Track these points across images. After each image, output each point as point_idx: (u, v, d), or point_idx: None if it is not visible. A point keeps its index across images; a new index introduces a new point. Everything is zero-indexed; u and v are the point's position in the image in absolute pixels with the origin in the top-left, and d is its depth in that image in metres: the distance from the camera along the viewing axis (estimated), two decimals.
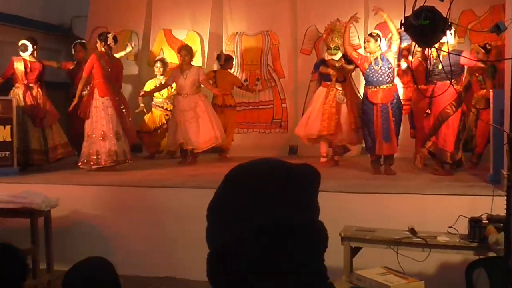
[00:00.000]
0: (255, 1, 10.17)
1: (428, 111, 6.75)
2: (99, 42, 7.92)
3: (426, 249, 4.42)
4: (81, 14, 10.89)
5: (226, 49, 10.08)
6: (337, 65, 7.75)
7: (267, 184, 1.19)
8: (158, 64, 9.56)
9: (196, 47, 9.95)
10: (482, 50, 7.47)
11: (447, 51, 5.66)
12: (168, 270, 6.17)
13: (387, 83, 7.07)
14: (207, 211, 1.25)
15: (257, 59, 9.99)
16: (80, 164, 7.77)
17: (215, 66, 9.55)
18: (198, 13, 10.36)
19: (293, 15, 10.04)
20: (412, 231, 4.52)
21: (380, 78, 7.03)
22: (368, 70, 7.07)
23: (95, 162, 7.67)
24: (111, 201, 6.48)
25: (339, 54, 7.90)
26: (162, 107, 9.45)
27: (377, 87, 7.03)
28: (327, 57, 8.03)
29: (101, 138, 7.66)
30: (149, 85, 9.50)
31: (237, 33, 10.18)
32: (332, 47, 7.91)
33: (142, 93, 9.33)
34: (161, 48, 10.36)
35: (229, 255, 1.16)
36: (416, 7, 3.90)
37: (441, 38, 4.18)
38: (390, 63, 7.14)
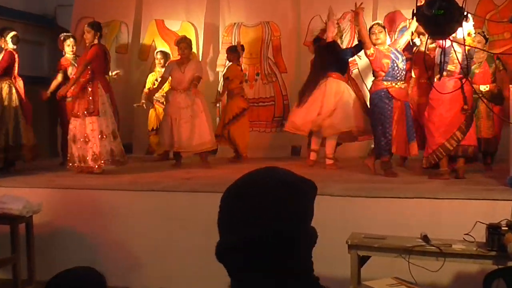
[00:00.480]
0: None
1: (465, 106, 6.69)
2: (93, 31, 7.71)
3: (440, 258, 4.42)
4: (65, 3, 10.90)
5: (223, 41, 10.09)
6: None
7: (272, 194, 1.47)
8: (159, 55, 9.58)
9: (190, 39, 9.97)
10: (484, 39, 7.45)
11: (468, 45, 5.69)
12: (161, 281, 6.16)
13: (404, 79, 7.17)
14: (221, 202, 1.52)
15: (257, 52, 10.00)
16: (100, 164, 7.61)
17: (220, 59, 9.63)
18: (193, 2, 10.38)
19: (296, 4, 10.04)
20: (425, 238, 4.52)
21: (402, 74, 7.09)
22: (391, 65, 7.05)
23: (109, 162, 7.70)
24: (99, 206, 6.47)
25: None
26: (163, 103, 9.41)
27: (398, 84, 7.06)
28: None
29: (113, 136, 7.71)
30: (150, 79, 9.55)
31: (235, 23, 10.19)
32: (339, 35, 8.00)
33: (146, 91, 9.37)
34: (153, 40, 10.37)
35: (237, 252, 1.46)
36: None
37: (456, 29, 4.19)
38: (405, 58, 7.19)
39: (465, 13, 3.96)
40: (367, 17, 9.36)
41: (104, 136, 7.61)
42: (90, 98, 7.60)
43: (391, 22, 9.14)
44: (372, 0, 9.48)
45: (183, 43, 8.50)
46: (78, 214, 6.47)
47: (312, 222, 1.46)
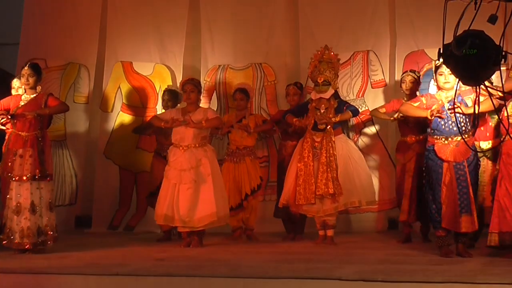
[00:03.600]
0: (244, 26, 10.30)
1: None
2: (36, 76, 7.72)
3: None
4: (8, 42, 10.98)
5: (205, 87, 10.03)
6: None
7: None
8: (165, 96, 9.37)
9: (165, 84, 10.01)
10: None
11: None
12: None
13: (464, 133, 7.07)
14: None
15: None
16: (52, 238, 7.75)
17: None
18: (168, 41, 10.46)
19: (295, 42, 10.13)
20: None
21: (453, 127, 7.05)
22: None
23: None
24: None
25: (330, 91, 8.14)
26: (165, 157, 8.83)
27: (449, 139, 7.06)
28: (314, 96, 8.27)
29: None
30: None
31: (219, 66, 10.25)
32: (320, 82, 8.16)
33: None
34: (119, 87, 10.37)
35: None
36: (459, 32, 3.94)
37: (493, 74, 4.22)
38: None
39: (504, 53, 4.00)
40: (384, 57, 9.50)
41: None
42: (42, 158, 7.63)
43: (413, 64, 9.18)
44: (389, 36, 9.61)
45: (189, 84, 8.24)
46: None
47: None
